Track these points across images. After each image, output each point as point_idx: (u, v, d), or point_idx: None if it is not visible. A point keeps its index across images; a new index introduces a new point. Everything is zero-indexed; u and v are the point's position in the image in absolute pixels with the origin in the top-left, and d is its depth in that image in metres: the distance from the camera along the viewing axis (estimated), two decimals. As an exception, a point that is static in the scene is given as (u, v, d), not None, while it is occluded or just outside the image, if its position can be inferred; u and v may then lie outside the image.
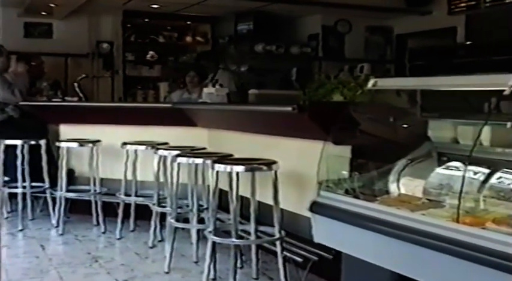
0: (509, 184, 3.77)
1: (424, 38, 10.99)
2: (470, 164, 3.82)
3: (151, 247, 6.45)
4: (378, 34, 12.12)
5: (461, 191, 3.51)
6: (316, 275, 5.22)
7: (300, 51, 11.91)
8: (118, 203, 7.00)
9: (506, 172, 3.85)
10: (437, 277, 3.50)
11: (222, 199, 5.35)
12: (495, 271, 3.10)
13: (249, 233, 5.29)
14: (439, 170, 4.26)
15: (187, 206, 6.10)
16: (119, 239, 6.81)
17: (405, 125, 4.79)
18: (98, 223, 7.20)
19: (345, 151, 4.62)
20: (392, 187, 4.40)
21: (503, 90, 3.46)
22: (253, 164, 4.97)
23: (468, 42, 9.69)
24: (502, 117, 4.01)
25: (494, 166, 3.94)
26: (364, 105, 4.68)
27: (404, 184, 4.36)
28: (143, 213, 6.85)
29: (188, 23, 13.00)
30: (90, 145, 7.19)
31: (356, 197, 4.26)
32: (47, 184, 7.50)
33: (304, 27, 12.16)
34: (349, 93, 4.98)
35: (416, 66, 9.96)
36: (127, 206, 6.97)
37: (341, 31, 11.90)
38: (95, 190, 7.25)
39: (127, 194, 6.93)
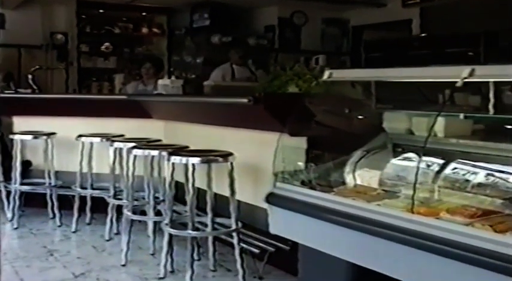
0: (463, 175, 3.82)
1: (380, 30, 11.06)
2: (425, 155, 3.86)
3: (107, 240, 6.41)
4: (334, 26, 12.16)
5: (415, 182, 3.54)
6: (274, 266, 5.23)
7: (256, 43, 11.91)
8: (73, 196, 6.92)
9: (460, 163, 3.90)
10: (393, 266, 3.53)
11: (179, 191, 5.32)
12: (449, 260, 3.14)
13: (205, 225, 5.29)
14: (394, 161, 4.30)
15: (144, 198, 6.08)
16: (74, 232, 6.74)
17: (360, 117, 4.82)
18: (54, 216, 7.12)
19: (301, 142, 4.63)
20: (349, 178, 4.42)
21: (457, 82, 3.49)
22: (209, 156, 4.96)
23: (423, 35, 9.78)
24: (455, 109, 4.06)
25: (448, 157, 3.98)
26: (320, 97, 4.70)
27: (360, 175, 4.39)
28: (99, 206, 6.79)
29: (144, 14, 12.90)
30: (45, 137, 7.10)
31: (312, 188, 4.28)
32: (0, 177, 7.40)
33: (261, 19, 12.16)
34: (304, 84, 4.99)
35: (372, 58, 10.04)
36: (83, 199, 6.91)
37: (297, 23, 11.92)
38: (50, 183, 7.16)
39: (83, 187, 6.87)
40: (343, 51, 12.14)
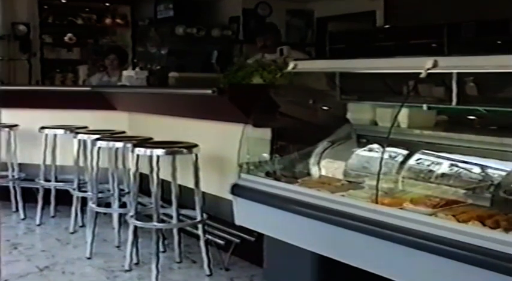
0: (427, 165, 3.85)
1: (344, 21, 11.08)
2: (389, 146, 3.88)
3: (72, 233, 6.36)
4: (298, 17, 12.16)
5: (379, 173, 3.56)
6: (239, 258, 5.24)
7: (221, 34, 11.87)
8: (37, 189, 6.86)
9: (424, 153, 3.93)
10: (357, 257, 3.56)
11: (143, 183, 5.31)
12: (412, 249, 3.17)
13: (170, 217, 5.28)
14: (359, 152, 4.32)
15: (108, 190, 6.04)
16: (39, 225, 6.68)
17: (325, 108, 4.83)
18: (17, 210, 7.05)
19: (265, 133, 4.63)
20: (313, 169, 4.44)
21: (420, 73, 3.52)
22: (173, 148, 4.95)
23: (387, 26, 9.82)
24: (419, 100, 4.09)
25: (412, 148, 4.01)
26: (284, 88, 4.70)
27: (324, 166, 4.41)
28: (63, 198, 6.73)
29: (107, 4, 12.76)
30: (7, 129, 7.01)
31: (277, 179, 4.30)
32: (-38, 171, 7.32)
33: (225, 10, 12.12)
34: (268, 76, 4.98)
35: (337, 49, 10.06)
36: (47, 191, 6.85)
37: (261, 14, 11.88)
38: (13, 176, 7.08)
39: (46, 180, 6.80)
40: (307, 42, 12.15)
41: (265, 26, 8.91)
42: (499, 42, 7.45)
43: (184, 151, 4.92)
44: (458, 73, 3.77)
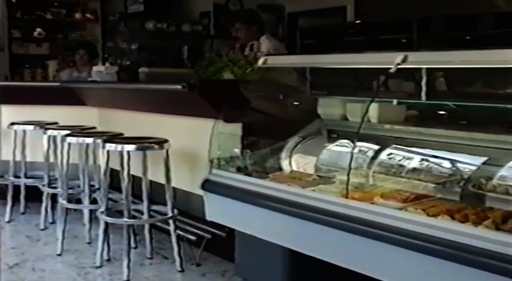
0: (397, 160, 3.87)
1: (315, 16, 11.09)
2: (359, 140, 3.90)
3: (42, 229, 6.32)
4: (269, 12, 12.12)
5: (350, 168, 3.58)
6: (211, 253, 5.23)
7: (192, 29, 11.84)
8: (7, 185, 6.80)
9: (395, 148, 3.95)
10: (328, 251, 3.57)
11: (114, 179, 5.28)
12: (383, 243, 3.19)
13: (141, 213, 5.26)
14: (329, 147, 4.34)
15: (79, 186, 6.01)
16: (8, 222, 6.63)
17: (295, 103, 4.85)
18: (-14, 206, 7.00)
19: (236, 128, 4.63)
20: (285, 164, 4.45)
21: (390, 68, 3.53)
22: (144, 143, 4.93)
23: (357, 22, 9.85)
24: (389, 95, 4.12)
25: (382, 142, 4.03)
26: (255, 83, 4.70)
27: (295, 161, 4.42)
28: (33, 195, 6.68)
29: (77, -1, 12.70)
30: (-24, 125, 6.97)
31: (248, 174, 4.30)
32: None
33: (196, 5, 12.08)
34: (239, 71, 4.98)
35: (307, 44, 10.07)
36: (16, 188, 6.79)
37: (232, 9, 11.87)
38: (-18, 172, 7.04)
39: (16, 176, 6.75)
40: (278, 37, 12.14)
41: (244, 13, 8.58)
42: (467, 37, 7.50)
43: (155, 146, 4.91)
44: (427, 68, 3.80)
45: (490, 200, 3.30)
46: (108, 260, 5.24)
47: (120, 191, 5.05)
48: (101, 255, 5.14)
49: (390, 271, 3.24)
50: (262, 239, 4.04)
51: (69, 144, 5.58)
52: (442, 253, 2.92)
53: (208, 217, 4.48)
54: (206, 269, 5.06)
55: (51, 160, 6.23)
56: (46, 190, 6.28)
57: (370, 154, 4.01)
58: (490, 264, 2.74)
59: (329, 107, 4.49)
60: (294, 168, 4.40)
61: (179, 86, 4.83)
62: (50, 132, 6.10)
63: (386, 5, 9.06)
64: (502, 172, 3.37)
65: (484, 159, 3.54)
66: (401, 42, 8.41)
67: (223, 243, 4.90)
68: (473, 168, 3.53)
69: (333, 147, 4.31)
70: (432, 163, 3.73)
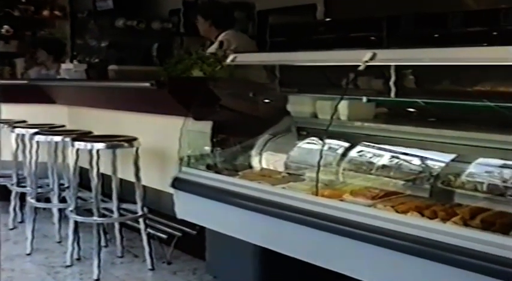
0: (367, 157, 3.89)
1: (285, 14, 11.09)
2: (329, 138, 3.90)
3: (11, 229, 6.27)
4: (239, 10, 12.11)
5: (319, 165, 3.58)
6: (181, 251, 5.23)
7: (161, 27, 11.81)
8: (-25, 185, 6.75)
9: (364, 145, 3.97)
10: (299, 248, 3.58)
11: (84, 177, 5.25)
12: (353, 240, 3.20)
13: (111, 211, 5.25)
14: (299, 144, 4.34)
15: (48, 185, 5.97)
16: (-24, 221, 6.58)
17: (265, 100, 4.85)
18: (-46, 206, 6.93)
19: (206, 126, 4.63)
20: (255, 162, 4.45)
21: (359, 66, 3.54)
22: (113, 141, 4.91)
23: (327, 19, 9.86)
24: (358, 92, 4.13)
25: (352, 140, 4.05)
26: (224, 81, 4.70)
27: (266, 159, 4.42)
28: (2, 194, 6.65)
29: (45, -5, 12.60)
30: None
31: (218, 172, 4.30)
32: None
33: (165, 3, 12.04)
34: (208, 68, 4.96)
35: (277, 42, 10.06)
36: (-16, 187, 6.75)
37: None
38: (-51, 172, 6.96)
39: (-16, 175, 6.70)
40: (249, 35, 12.11)
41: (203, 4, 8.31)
42: (436, 35, 7.54)
43: (125, 144, 4.89)
44: (396, 66, 3.82)
45: (458, 196, 3.32)
46: (78, 259, 5.22)
47: (90, 190, 5.03)
48: (71, 254, 5.12)
49: (360, 267, 3.25)
50: (232, 236, 4.04)
51: (38, 142, 5.56)
52: (411, 249, 2.94)
53: (179, 215, 4.47)
54: (177, 268, 5.06)
55: (20, 158, 6.18)
56: (15, 189, 6.24)
57: (340, 151, 4.01)
58: (459, 260, 2.76)
59: (299, 105, 4.49)
60: (264, 166, 4.39)
61: (148, 84, 4.82)
62: (18, 130, 6.06)
63: (356, 3, 9.08)
64: (471, 168, 3.39)
65: (452, 156, 3.56)
66: (371, 40, 8.43)
67: (194, 241, 4.90)
68: (442, 165, 3.55)
69: (302, 144, 4.31)
70: (401, 160, 3.74)
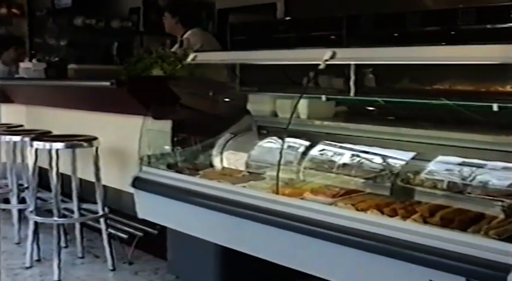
0: (327, 156, 3.91)
1: (245, 13, 11.09)
2: (290, 136, 3.92)
3: (-31, 230, 6.20)
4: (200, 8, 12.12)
5: (279, 163, 3.59)
6: (143, 251, 5.20)
7: (121, 26, 11.73)
8: None
9: (325, 144, 3.99)
10: (259, 247, 3.59)
11: (43, 177, 5.20)
12: (313, 238, 3.21)
13: (72, 212, 5.21)
14: (260, 143, 4.35)
15: (7, 185, 5.91)
16: None
17: (226, 99, 4.85)
18: None
19: (166, 125, 4.61)
20: (216, 161, 4.45)
21: (319, 65, 3.56)
22: (73, 141, 4.87)
23: (287, 18, 9.88)
24: (318, 91, 4.15)
25: (313, 138, 4.06)
26: (184, 80, 4.69)
27: (227, 158, 4.42)
28: (-41, 195, 6.54)
29: (2, -7, 12.45)
30: None
31: (178, 171, 4.29)
32: None
33: (125, 1, 11.98)
34: (168, 67, 4.95)
35: (238, 41, 10.06)
36: None
37: (162, 5, 11.76)
38: None
39: None
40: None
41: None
42: (396, 34, 7.59)
43: (84, 144, 4.85)
44: (356, 64, 3.84)
45: (418, 194, 3.36)
46: (38, 260, 5.16)
47: (50, 190, 4.99)
48: (31, 255, 5.06)
49: (321, 265, 3.27)
50: (194, 236, 4.03)
51: (-4, 142, 5.49)
52: (371, 247, 2.96)
53: (140, 215, 4.46)
54: (138, 268, 5.03)
55: (-23, 159, 6.11)
56: (-27, 190, 6.16)
57: (301, 150, 4.03)
58: (418, 257, 2.79)
59: (259, 104, 4.51)
60: (225, 165, 4.40)
61: (108, 83, 4.79)
62: (-25, 130, 5.98)
63: (316, 2, 9.11)
64: (430, 166, 3.43)
65: (412, 154, 3.60)
66: (331, 39, 8.47)
67: (155, 241, 4.89)
68: (402, 163, 3.59)
69: (263, 143, 4.32)
70: (362, 158, 3.77)
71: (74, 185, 5.13)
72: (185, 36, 6.10)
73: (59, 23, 11.64)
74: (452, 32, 6.85)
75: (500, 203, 2.97)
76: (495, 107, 3.21)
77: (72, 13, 11.50)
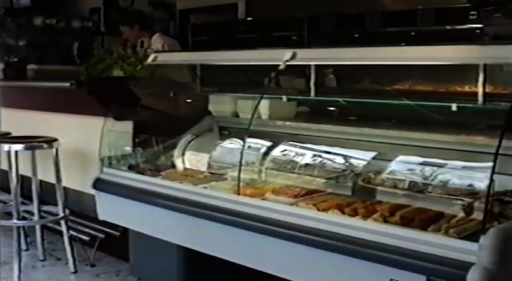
0: (289, 156, 3.92)
1: (207, 13, 11.08)
2: (251, 137, 3.92)
3: None
4: (160, 9, 12.05)
5: (240, 164, 3.59)
6: (105, 253, 5.17)
7: (81, 26, 11.64)
8: None
9: (287, 144, 4.00)
10: (221, 248, 3.59)
11: (2, 179, 5.15)
12: (275, 239, 3.22)
13: (32, 214, 5.16)
14: (221, 143, 4.35)
15: (-36, 189, 5.84)
16: None
17: (187, 100, 4.84)
18: None
19: (127, 126, 4.59)
20: (177, 162, 4.44)
21: (280, 65, 3.57)
22: (32, 142, 4.83)
23: (249, 19, 9.89)
24: (279, 91, 4.16)
25: (274, 139, 4.07)
26: (145, 80, 4.68)
27: (188, 159, 4.42)
28: None
29: (-42, -8, 12.28)
30: None
31: (140, 172, 4.27)
32: None
33: (86, 1, 11.90)
34: (129, 68, 4.94)
35: (199, 41, 10.05)
36: None
37: (123, 5, 11.71)
38: None
39: None
40: (170, 34, 12.07)
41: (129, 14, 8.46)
42: (356, 35, 7.64)
43: (44, 145, 4.81)
44: (317, 65, 3.85)
45: (379, 193, 3.38)
46: (-2, 263, 5.11)
47: (9, 192, 4.94)
48: (-9, 259, 5.01)
49: (282, 265, 3.28)
50: (156, 237, 4.02)
51: (-47, 144, 5.40)
52: (332, 246, 2.98)
53: (101, 217, 4.43)
54: (100, 270, 5.00)
55: None
56: None
57: (262, 150, 4.04)
58: (379, 256, 2.81)
59: (220, 104, 4.51)
60: (187, 165, 4.39)
61: (68, 84, 4.77)
62: None
63: (277, 3, 9.14)
64: (391, 166, 3.46)
65: (374, 154, 3.63)
66: (293, 39, 8.49)
67: (117, 242, 4.87)
68: (364, 163, 3.62)
69: (225, 144, 4.33)
70: (324, 158, 3.79)
71: (34, 187, 5.08)
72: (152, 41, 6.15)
73: (18, 23, 11.51)
74: (412, 33, 6.92)
75: (460, 202, 3.00)
76: (454, 107, 3.25)
77: (31, 12, 11.38)
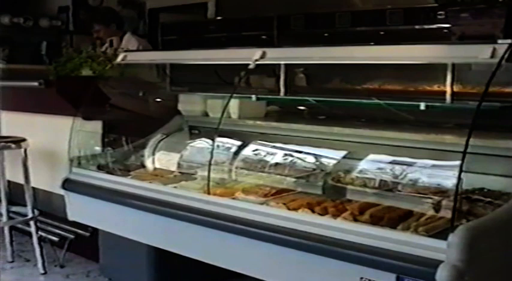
0: (260, 155, 3.92)
1: (176, 12, 11.07)
2: (221, 136, 3.92)
3: None
4: (130, 8, 12.00)
5: (210, 163, 3.59)
6: (75, 254, 5.14)
7: (50, 25, 11.55)
8: None
9: (257, 144, 4.01)
10: (191, 247, 3.59)
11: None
12: (245, 238, 3.22)
13: (0, 215, 5.10)
14: (191, 143, 4.34)
15: None
16: None
17: (157, 100, 4.83)
18: None
19: (97, 126, 4.57)
20: (148, 162, 4.43)
21: (250, 64, 3.57)
22: (0, 142, 4.78)
23: (218, 18, 9.89)
24: (249, 91, 4.16)
25: (244, 138, 4.08)
26: (114, 80, 4.66)
27: (158, 158, 4.40)
28: None
29: None
30: None
31: (109, 172, 4.26)
32: None
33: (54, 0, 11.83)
34: (98, 67, 4.91)
35: (169, 40, 10.04)
36: None
37: (92, 4, 11.65)
38: None
39: None
40: (140, 33, 12.02)
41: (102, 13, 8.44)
42: (326, 34, 7.67)
43: (12, 145, 4.77)
44: (286, 64, 3.86)
45: (350, 192, 3.40)
46: (-34, 265, 5.07)
47: (-23, 193, 4.89)
48: (-43, 261, 4.96)
49: (253, 264, 3.28)
50: (126, 237, 4.00)
51: None
52: (302, 245, 2.98)
53: (71, 217, 4.41)
54: (70, 271, 4.97)
55: None
56: None
57: (232, 149, 4.04)
58: (348, 254, 2.82)
59: (190, 104, 4.51)
60: (157, 165, 4.38)
61: (36, 83, 4.73)
62: None
63: (247, 2, 9.15)
64: (361, 165, 3.47)
65: (344, 153, 3.64)
66: (262, 38, 8.51)
67: (87, 243, 4.84)
68: (334, 162, 3.63)
69: (194, 143, 4.32)
70: (294, 157, 3.80)
71: (2, 188, 5.03)
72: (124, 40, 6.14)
73: (-17, 22, 11.42)
74: (381, 32, 6.96)
75: (429, 200, 3.03)
76: (423, 106, 3.27)
77: (-2, 11, 11.29)
